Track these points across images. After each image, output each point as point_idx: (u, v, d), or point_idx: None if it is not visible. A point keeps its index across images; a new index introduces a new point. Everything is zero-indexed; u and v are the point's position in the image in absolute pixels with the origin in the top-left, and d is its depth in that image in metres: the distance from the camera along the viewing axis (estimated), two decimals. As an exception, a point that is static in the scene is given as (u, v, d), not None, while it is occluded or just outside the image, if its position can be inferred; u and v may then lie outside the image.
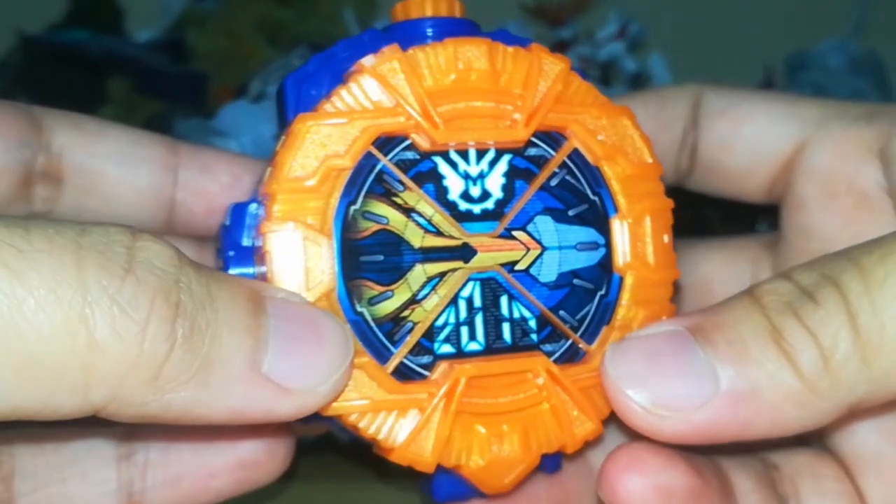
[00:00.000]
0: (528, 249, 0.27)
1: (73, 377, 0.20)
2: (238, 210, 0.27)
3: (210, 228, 0.32)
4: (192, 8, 0.74)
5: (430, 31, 0.28)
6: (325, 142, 0.25)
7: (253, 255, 0.26)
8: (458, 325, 0.26)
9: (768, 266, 0.33)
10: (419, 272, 0.26)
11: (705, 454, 0.27)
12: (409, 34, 0.28)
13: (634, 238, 0.28)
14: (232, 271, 0.26)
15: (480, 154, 0.27)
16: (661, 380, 0.25)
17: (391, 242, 0.26)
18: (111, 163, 0.31)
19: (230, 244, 0.27)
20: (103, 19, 0.75)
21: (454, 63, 0.27)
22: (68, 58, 0.69)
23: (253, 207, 0.26)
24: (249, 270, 0.26)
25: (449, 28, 0.28)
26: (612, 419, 0.27)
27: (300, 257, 0.25)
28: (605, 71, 0.70)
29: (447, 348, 0.26)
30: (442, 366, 0.26)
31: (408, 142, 0.26)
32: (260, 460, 0.28)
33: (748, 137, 0.32)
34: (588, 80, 0.29)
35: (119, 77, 0.68)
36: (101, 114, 0.30)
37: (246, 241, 0.26)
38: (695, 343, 0.25)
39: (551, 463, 0.29)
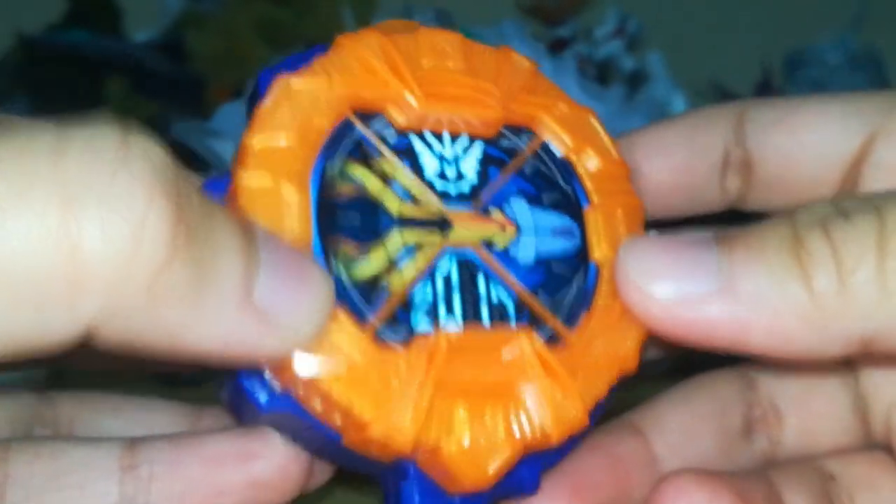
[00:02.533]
0: (504, 228, 0.27)
1: (58, 293, 0.17)
2: (212, 185, 0.25)
3: None
4: (191, 9, 0.74)
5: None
6: (304, 101, 0.25)
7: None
8: (435, 301, 0.26)
9: None
10: (396, 238, 0.26)
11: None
12: None
13: (609, 229, 0.28)
14: None
15: (454, 139, 0.27)
16: (672, 273, 0.24)
17: (368, 206, 0.26)
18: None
19: None
20: (102, 20, 0.75)
21: (430, 49, 0.27)
22: (67, 58, 0.69)
23: (227, 182, 0.25)
24: None
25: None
26: (601, 421, 0.27)
27: (275, 209, 0.24)
28: (602, 69, 0.70)
29: (424, 325, 0.25)
30: (419, 340, 0.25)
31: (384, 119, 0.26)
32: (272, 480, 0.26)
33: (811, 145, 0.30)
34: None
35: (117, 77, 0.68)
36: (100, 113, 0.29)
37: None
38: (714, 245, 0.24)
39: (530, 476, 0.27)
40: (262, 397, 0.24)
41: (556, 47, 0.72)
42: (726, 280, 0.23)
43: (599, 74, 0.69)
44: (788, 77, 0.77)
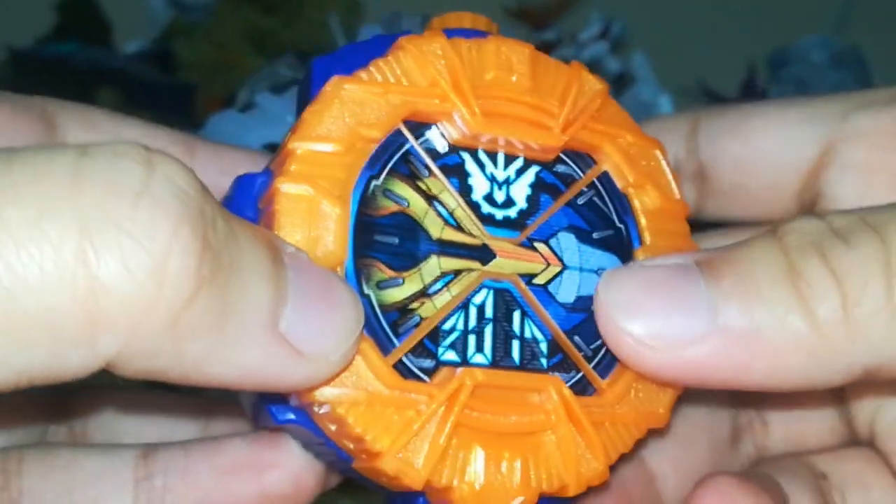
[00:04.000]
0: (549, 264, 0.26)
1: (76, 330, 0.17)
2: (246, 181, 0.24)
3: None
4: (179, 18, 0.74)
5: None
6: (356, 108, 0.24)
7: (258, 223, 0.24)
8: (466, 332, 0.24)
9: None
10: (433, 264, 0.24)
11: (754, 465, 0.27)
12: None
13: None
14: None
15: (509, 160, 0.26)
16: (654, 308, 0.23)
17: (409, 227, 0.24)
18: None
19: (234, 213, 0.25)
20: (91, 32, 0.75)
21: (496, 60, 0.26)
22: (57, 70, 0.70)
23: (262, 181, 0.24)
24: None
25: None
26: (620, 463, 0.25)
27: (311, 221, 0.23)
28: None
29: (451, 355, 0.24)
30: (444, 372, 0.24)
31: (437, 130, 0.25)
32: (287, 490, 0.26)
33: (768, 151, 0.30)
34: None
35: (108, 89, 0.68)
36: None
37: (250, 214, 0.24)
38: (700, 276, 0.23)
39: None
40: (279, 411, 0.23)
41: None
42: (718, 317, 0.22)
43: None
44: (773, 76, 0.78)
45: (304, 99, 0.26)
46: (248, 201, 0.24)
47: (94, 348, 0.17)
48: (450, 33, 0.26)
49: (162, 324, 0.17)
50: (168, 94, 0.69)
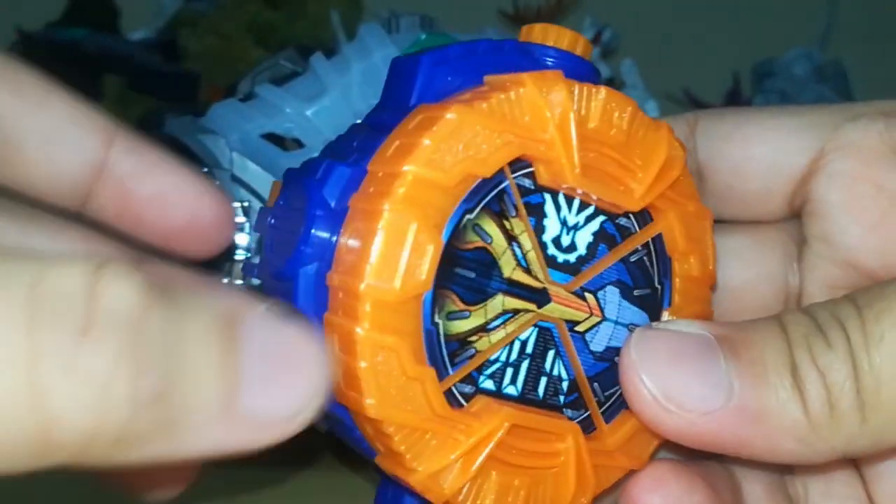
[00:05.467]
0: (592, 314, 0.27)
1: (28, 448, 0.18)
2: (332, 168, 0.25)
3: (119, 229, 0.29)
4: (186, 9, 0.76)
5: (550, 61, 0.27)
6: (471, 142, 0.24)
7: (341, 220, 0.24)
8: (506, 364, 0.26)
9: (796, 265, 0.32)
10: (498, 302, 0.25)
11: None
12: (533, 57, 0.27)
13: None
14: (316, 232, 0.24)
15: (582, 206, 0.27)
16: (679, 377, 0.25)
17: (487, 263, 0.25)
18: (36, 140, 0.27)
19: (318, 202, 0.24)
20: (100, 18, 0.77)
21: (603, 112, 0.26)
22: (65, 55, 0.71)
23: (351, 175, 0.25)
24: (332, 238, 0.24)
25: (570, 64, 0.27)
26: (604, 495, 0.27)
27: (407, 250, 0.23)
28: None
29: (489, 384, 0.26)
30: (481, 401, 0.25)
31: (530, 168, 0.26)
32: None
33: (762, 157, 0.31)
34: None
35: (114, 75, 0.69)
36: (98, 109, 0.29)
37: (334, 203, 0.25)
38: (720, 352, 0.25)
39: None
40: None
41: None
42: (734, 396, 0.24)
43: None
44: (757, 87, 0.80)
45: (403, 95, 0.26)
46: (335, 191, 0.25)
47: (45, 462, 0.18)
48: (544, 51, 0.27)
49: (108, 441, 0.18)
50: (173, 82, 0.70)
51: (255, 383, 0.19)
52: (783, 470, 0.29)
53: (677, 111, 0.34)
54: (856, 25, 0.83)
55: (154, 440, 0.18)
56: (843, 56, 0.80)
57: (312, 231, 0.24)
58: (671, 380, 0.25)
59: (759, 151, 0.31)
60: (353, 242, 0.24)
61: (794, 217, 0.31)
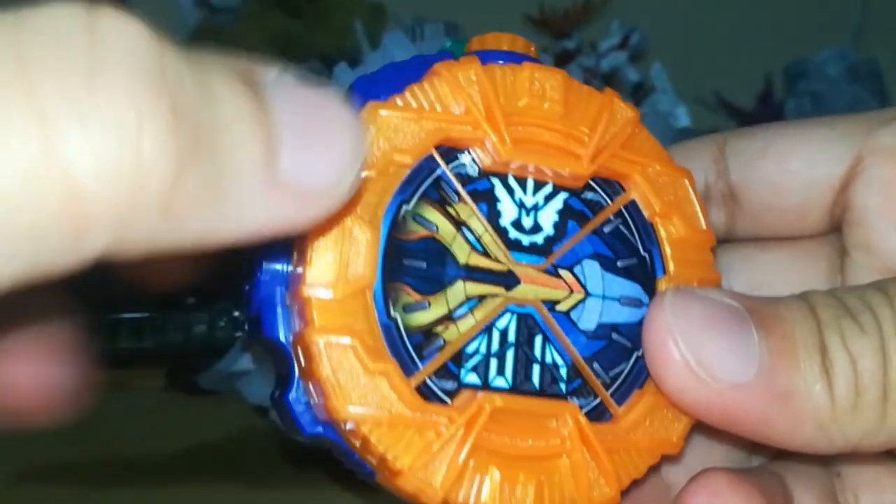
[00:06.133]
0: (572, 291, 0.26)
1: (60, 231, 0.15)
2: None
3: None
4: (208, 21, 0.75)
5: (501, 63, 0.27)
6: (390, 134, 0.24)
7: (290, 245, 0.24)
8: (488, 356, 0.25)
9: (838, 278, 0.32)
10: (459, 289, 0.25)
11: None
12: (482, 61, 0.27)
13: None
14: (266, 265, 0.24)
15: (538, 186, 0.26)
16: (713, 344, 0.24)
17: (437, 252, 0.25)
18: None
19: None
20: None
21: (529, 87, 0.26)
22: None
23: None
24: (282, 268, 0.25)
25: (512, 59, 0.27)
26: (632, 487, 0.26)
27: (343, 244, 0.23)
28: (607, 81, 0.71)
29: (473, 378, 0.25)
30: (465, 394, 0.25)
31: (469, 156, 0.26)
32: None
33: (798, 171, 0.30)
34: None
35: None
36: None
37: None
38: (752, 325, 0.24)
39: None
40: (308, 424, 0.24)
41: (563, 59, 0.74)
42: (765, 371, 0.24)
43: (604, 86, 0.71)
44: (789, 89, 0.79)
45: None
46: None
47: (80, 251, 0.16)
48: (487, 56, 0.27)
49: (151, 211, 0.16)
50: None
51: (293, 146, 0.18)
52: (832, 473, 0.29)
53: (709, 116, 0.34)
54: (890, 22, 0.82)
55: (201, 206, 0.16)
56: (877, 55, 0.79)
57: (264, 263, 0.25)
58: (706, 346, 0.24)
59: (794, 166, 0.30)
60: (296, 257, 0.24)
61: (835, 230, 0.31)
